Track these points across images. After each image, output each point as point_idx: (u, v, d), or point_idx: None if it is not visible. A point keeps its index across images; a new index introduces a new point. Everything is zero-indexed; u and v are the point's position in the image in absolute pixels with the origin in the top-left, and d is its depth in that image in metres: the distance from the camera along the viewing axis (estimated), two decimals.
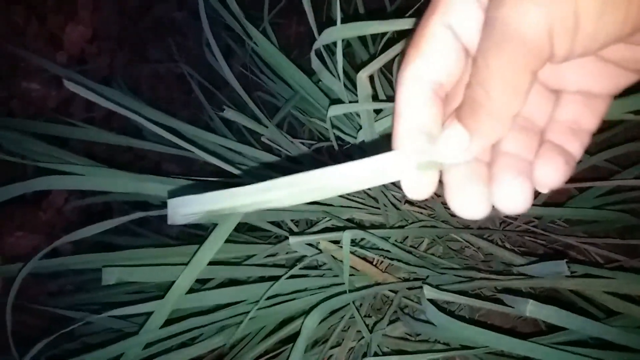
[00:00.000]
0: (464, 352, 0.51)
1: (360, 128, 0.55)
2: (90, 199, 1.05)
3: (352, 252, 0.62)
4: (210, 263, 0.58)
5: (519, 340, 0.42)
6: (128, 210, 1.16)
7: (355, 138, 0.62)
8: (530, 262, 0.50)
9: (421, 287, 0.56)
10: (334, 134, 0.83)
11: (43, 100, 1.27)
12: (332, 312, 0.69)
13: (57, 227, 1.25)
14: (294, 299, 0.61)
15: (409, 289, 0.65)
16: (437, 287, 0.49)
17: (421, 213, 0.69)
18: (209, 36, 0.77)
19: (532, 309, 0.43)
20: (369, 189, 0.69)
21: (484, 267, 0.61)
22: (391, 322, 0.67)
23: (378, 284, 0.63)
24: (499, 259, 0.61)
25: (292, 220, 0.74)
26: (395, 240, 0.63)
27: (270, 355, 0.65)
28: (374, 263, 0.66)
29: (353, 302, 0.56)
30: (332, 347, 0.66)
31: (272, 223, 0.73)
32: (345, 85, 0.54)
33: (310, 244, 0.62)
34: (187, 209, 0.27)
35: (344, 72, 0.56)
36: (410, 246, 0.68)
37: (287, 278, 0.64)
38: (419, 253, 0.66)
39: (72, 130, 0.77)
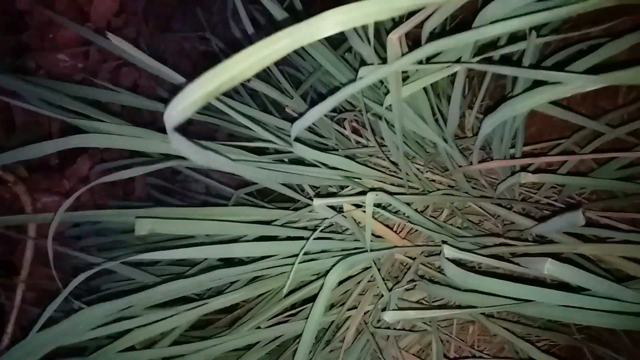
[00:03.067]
0: (482, 310, 0.52)
1: (388, 93, 0.56)
2: (115, 163, 1.08)
3: (373, 217, 0.63)
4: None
5: (545, 289, 0.43)
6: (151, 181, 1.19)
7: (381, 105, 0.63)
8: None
9: (439, 253, 0.57)
10: (352, 105, 0.84)
11: (70, 71, 1.30)
12: (349, 278, 0.71)
13: (81, 196, 1.28)
14: (316, 259, 0.63)
15: (427, 255, 0.67)
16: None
17: (441, 183, 0.70)
18: (238, 5, 0.79)
19: (550, 267, 0.44)
20: (392, 157, 0.70)
21: (502, 235, 0.62)
22: (408, 290, 0.69)
23: (397, 247, 0.64)
24: (518, 228, 0.62)
25: (313, 188, 0.76)
26: (416, 209, 0.65)
27: (290, 313, 0.67)
28: (394, 229, 0.68)
29: (374, 261, 0.57)
30: (349, 309, 0.68)
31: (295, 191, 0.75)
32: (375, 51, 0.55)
33: (332, 208, 0.64)
34: (183, 102, 0.29)
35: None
36: (430, 216, 0.69)
37: (308, 239, 0.66)
38: (438, 222, 0.68)
39: (103, 93, 0.79)
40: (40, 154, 0.61)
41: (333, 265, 0.56)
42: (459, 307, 0.63)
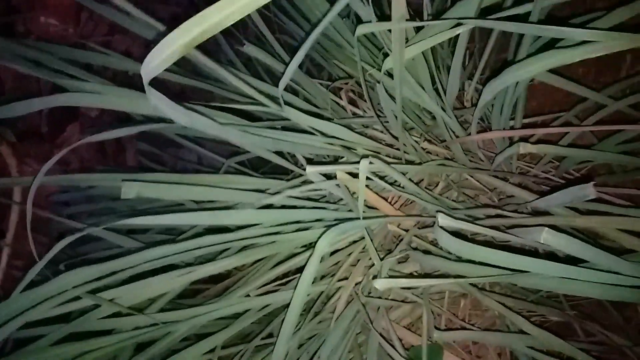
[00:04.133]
0: (476, 279, 0.52)
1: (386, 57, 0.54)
2: (105, 134, 1.06)
3: (367, 187, 0.62)
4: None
5: (541, 260, 0.42)
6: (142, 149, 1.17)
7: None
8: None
9: (433, 225, 0.56)
10: (350, 76, 0.82)
11: (62, 36, 1.26)
12: (341, 250, 0.70)
13: (72, 164, 1.26)
14: (308, 229, 0.62)
15: (421, 227, 0.66)
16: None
17: (438, 155, 0.69)
18: None
19: (547, 237, 0.42)
20: (389, 126, 0.69)
21: (498, 207, 0.61)
22: (400, 262, 0.68)
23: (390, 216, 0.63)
24: (515, 202, 0.61)
25: (307, 158, 0.75)
26: (411, 179, 0.63)
27: (281, 282, 0.66)
28: (389, 201, 0.66)
29: (366, 229, 0.56)
30: (340, 280, 0.67)
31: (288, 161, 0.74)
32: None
33: (326, 177, 0.62)
34: (160, 55, 0.28)
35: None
36: (426, 188, 0.68)
37: (301, 208, 0.64)
38: (433, 195, 0.67)
39: (94, 56, 0.77)
40: (27, 111, 0.59)
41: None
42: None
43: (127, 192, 0.54)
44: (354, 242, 0.69)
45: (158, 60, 0.29)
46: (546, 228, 0.42)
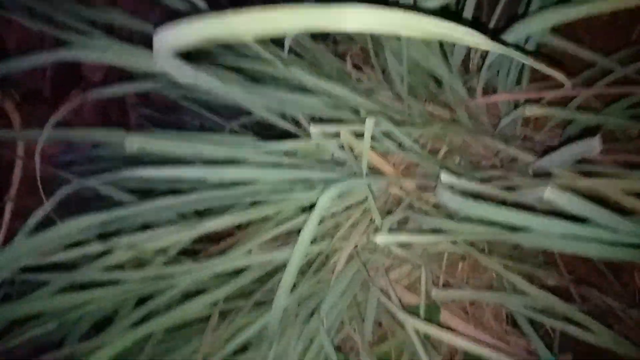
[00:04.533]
0: (476, 237, 0.52)
1: None
2: (108, 91, 1.05)
3: (371, 148, 0.62)
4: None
5: (543, 217, 0.42)
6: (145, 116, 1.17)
7: None
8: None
9: (435, 187, 0.56)
10: (352, 36, 0.81)
11: None
12: (342, 212, 0.70)
13: (75, 127, 1.26)
14: (313, 189, 0.63)
15: (423, 191, 0.66)
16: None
17: (442, 120, 0.69)
18: None
19: (550, 194, 0.43)
20: (394, 89, 0.68)
21: (501, 170, 0.61)
22: (401, 223, 0.68)
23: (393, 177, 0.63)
24: (518, 165, 0.61)
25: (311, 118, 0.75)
26: (415, 141, 0.64)
27: (284, 242, 0.67)
28: (392, 164, 0.66)
29: (369, 186, 0.56)
30: (340, 240, 0.67)
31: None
32: None
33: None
34: (175, 37, 0.26)
35: None
36: (429, 151, 0.68)
37: (304, 168, 0.65)
38: (436, 159, 0.67)
39: (97, 13, 0.76)
40: (32, 65, 0.59)
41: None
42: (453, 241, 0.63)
43: (130, 146, 0.55)
44: (356, 203, 0.70)
45: (170, 44, 0.26)
46: (549, 186, 0.43)
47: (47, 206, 0.49)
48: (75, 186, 0.52)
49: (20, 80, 1.21)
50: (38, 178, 0.57)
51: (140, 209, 0.54)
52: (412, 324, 0.54)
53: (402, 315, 0.55)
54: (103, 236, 0.58)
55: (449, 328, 0.64)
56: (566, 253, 0.71)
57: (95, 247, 0.56)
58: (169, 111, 1.17)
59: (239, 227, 0.78)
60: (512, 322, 0.71)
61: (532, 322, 0.61)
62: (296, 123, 0.77)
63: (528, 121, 0.69)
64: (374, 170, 0.66)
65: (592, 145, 0.40)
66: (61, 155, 0.99)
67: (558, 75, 0.34)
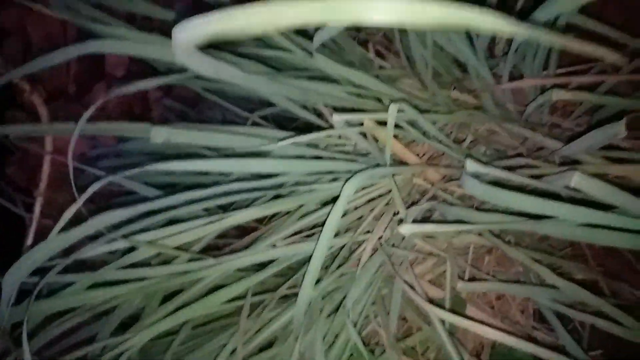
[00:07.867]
0: (502, 226, 0.51)
1: None
2: (131, 86, 1.06)
3: (395, 137, 0.61)
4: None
5: (570, 205, 0.41)
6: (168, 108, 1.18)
7: None
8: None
9: (459, 178, 0.55)
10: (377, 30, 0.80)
11: None
12: (365, 204, 0.69)
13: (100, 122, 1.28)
14: (338, 180, 0.62)
15: (447, 181, 0.65)
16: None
17: (467, 107, 0.67)
18: None
19: (578, 180, 0.41)
20: (418, 75, 0.67)
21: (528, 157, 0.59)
22: (425, 215, 0.67)
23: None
24: (545, 153, 0.60)
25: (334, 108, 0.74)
26: (440, 129, 0.62)
27: (308, 234, 0.67)
28: (416, 153, 0.66)
29: (393, 176, 0.56)
30: (363, 233, 0.67)
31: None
32: None
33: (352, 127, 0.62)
34: (195, 31, 0.25)
35: None
36: (454, 140, 0.67)
37: (327, 160, 0.64)
38: (461, 147, 0.66)
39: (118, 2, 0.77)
40: (59, 61, 0.60)
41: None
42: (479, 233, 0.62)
43: (156, 137, 0.55)
44: (379, 196, 0.69)
45: (189, 39, 0.26)
46: (577, 172, 0.41)
47: (79, 201, 0.49)
48: (106, 181, 0.53)
49: (44, 77, 1.23)
50: (71, 173, 0.58)
51: (166, 203, 0.55)
52: (439, 314, 0.53)
53: (428, 307, 0.54)
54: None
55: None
56: (594, 246, 0.70)
57: (122, 244, 0.56)
58: (192, 104, 1.18)
59: (262, 221, 0.78)
60: (540, 317, 0.70)
61: (560, 317, 0.59)
62: (318, 115, 0.77)
63: (556, 108, 0.67)
64: (397, 161, 0.65)
65: (617, 130, 0.39)
66: (88, 151, 1.01)
67: (601, 51, 0.33)
